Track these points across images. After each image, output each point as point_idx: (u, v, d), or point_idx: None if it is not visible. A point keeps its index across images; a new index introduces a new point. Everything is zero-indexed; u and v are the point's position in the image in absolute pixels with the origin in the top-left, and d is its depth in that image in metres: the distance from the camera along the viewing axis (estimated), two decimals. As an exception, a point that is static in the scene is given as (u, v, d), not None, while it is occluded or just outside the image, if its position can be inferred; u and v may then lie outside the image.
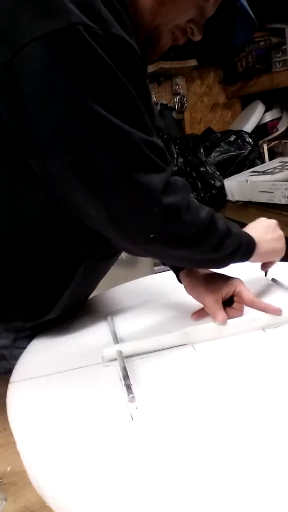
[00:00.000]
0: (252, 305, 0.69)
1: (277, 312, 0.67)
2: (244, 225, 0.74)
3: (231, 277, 0.71)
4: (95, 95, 0.49)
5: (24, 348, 0.71)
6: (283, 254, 0.76)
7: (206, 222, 0.61)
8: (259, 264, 0.78)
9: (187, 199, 0.59)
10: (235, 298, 0.71)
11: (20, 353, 0.69)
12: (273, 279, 0.82)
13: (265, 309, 0.67)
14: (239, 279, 0.71)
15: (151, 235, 0.57)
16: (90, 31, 0.47)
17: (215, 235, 0.62)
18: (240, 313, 0.70)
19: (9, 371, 0.64)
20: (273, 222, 0.76)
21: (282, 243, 0.75)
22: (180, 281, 0.75)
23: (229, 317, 0.67)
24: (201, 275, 0.72)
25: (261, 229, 0.73)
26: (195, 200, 0.62)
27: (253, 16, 0.70)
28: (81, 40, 0.47)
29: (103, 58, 0.49)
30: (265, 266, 0.79)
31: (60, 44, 0.46)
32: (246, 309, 0.70)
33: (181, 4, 0.60)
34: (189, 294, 0.73)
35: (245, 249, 0.67)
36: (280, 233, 0.75)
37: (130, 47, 0.53)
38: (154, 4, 0.59)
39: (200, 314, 0.72)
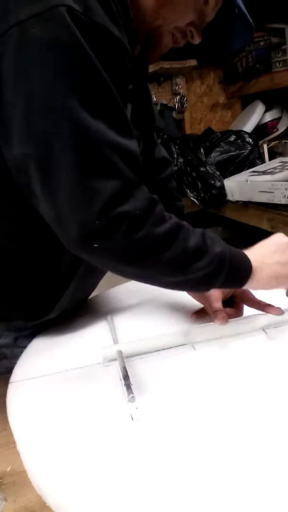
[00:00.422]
0: (252, 305, 0.69)
1: (277, 312, 0.67)
2: (244, 225, 0.72)
3: (231, 277, 0.71)
4: (66, 83, 0.48)
5: (25, 347, 0.71)
6: None
7: (163, 238, 0.54)
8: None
9: (142, 210, 0.53)
10: (235, 298, 0.71)
11: (21, 352, 0.69)
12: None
13: (265, 309, 0.67)
14: (239, 279, 0.70)
15: (94, 245, 0.53)
16: (72, 13, 0.47)
17: (175, 253, 0.55)
18: (240, 313, 0.70)
19: (10, 370, 0.65)
20: (286, 241, 0.64)
21: None
22: (180, 281, 0.75)
23: (229, 317, 0.67)
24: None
25: (267, 249, 0.63)
26: (164, 212, 0.56)
27: (251, 22, 0.70)
28: (61, 21, 0.47)
29: (80, 43, 0.48)
30: None
31: (38, 28, 0.47)
32: (246, 309, 0.70)
33: (182, 6, 0.61)
34: (189, 294, 0.73)
35: (232, 273, 0.59)
36: None
37: (112, 38, 0.52)
38: (155, 5, 0.60)
39: (200, 314, 0.72)
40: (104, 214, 0.51)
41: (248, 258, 0.61)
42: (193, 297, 0.73)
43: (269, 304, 0.67)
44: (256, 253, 0.62)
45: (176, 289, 0.64)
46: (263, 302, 0.68)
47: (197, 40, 0.65)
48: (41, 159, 0.51)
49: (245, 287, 0.62)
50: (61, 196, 0.51)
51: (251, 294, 0.69)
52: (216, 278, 0.58)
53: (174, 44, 0.66)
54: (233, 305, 0.71)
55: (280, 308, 0.67)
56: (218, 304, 0.68)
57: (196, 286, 0.61)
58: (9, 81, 0.49)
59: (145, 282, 0.61)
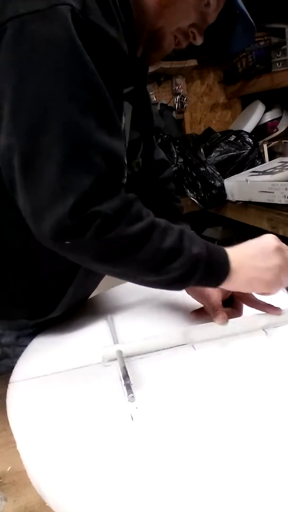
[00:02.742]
0: (252, 305, 0.69)
1: (277, 312, 0.67)
2: (244, 225, 0.72)
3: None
4: (58, 80, 0.49)
5: (27, 346, 0.71)
6: (276, 287, 0.63)
7: (134, 238, 0.54)
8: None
9: (115, 210, 0.52)
10: (235, 298, 0.71)
11: (23, 351, 0.69)
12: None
13: (265, 309, 0.68)
14: (239, 279, 0.70)
15: (66, 242, 0.52)
16: (73, 12, 0.48)
17: (148, 253, 0.55)
18: (240, 313, 0.70)
19: (12, 370, 0.65)
20: (272, 245, 0.61)
21: (272, 275, 0.60)
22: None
23: (229, 317, 0.67)
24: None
25: (251, 251, 0.61)
26: (142, 211, 0.56)
27: (253, 23, 0.71)
28: (61, 20, 0.48)
29: (76, 42, 0.49)
30: (258, 306, 0.68)
31: (37, 23, 0.48)
32: (246, 309, 0.70)
33: (184, 8, 0.62)
34: (189, 294, 0.73)
35: (208, 274, 0.58)
36: (276, 262, 0.61)
37: (108, 38, 0.52)
38: (158, 6, 0.61)
39: (199, 313, 0.72)
40: (76, 211, 0.50)
41: (228, 259, 0.60)
42: (193, 297, 0.73)
43: (269, 304, 0.68)
44: (239, 253, 0.61)
45: (151, 287, 0.62)
46: (263, 302, 0.68)
47: (199, 42, 0.66)
48: (25, 152, 0.51)
49: (221, 286, 0.61)
50: (41, 191, 0.51)
51: (251, 294, 0.69)
52: (190, 279, 0.58)
53: (176, 46, 0.67)
54: (233, 305, 0.71)
55: (280, 308, 0.67)
56: (218, 304, 0.68)
57: (171, 285, 0.60)
58: (1, 71, 0.50)
59: (121, 279, 0.62)
